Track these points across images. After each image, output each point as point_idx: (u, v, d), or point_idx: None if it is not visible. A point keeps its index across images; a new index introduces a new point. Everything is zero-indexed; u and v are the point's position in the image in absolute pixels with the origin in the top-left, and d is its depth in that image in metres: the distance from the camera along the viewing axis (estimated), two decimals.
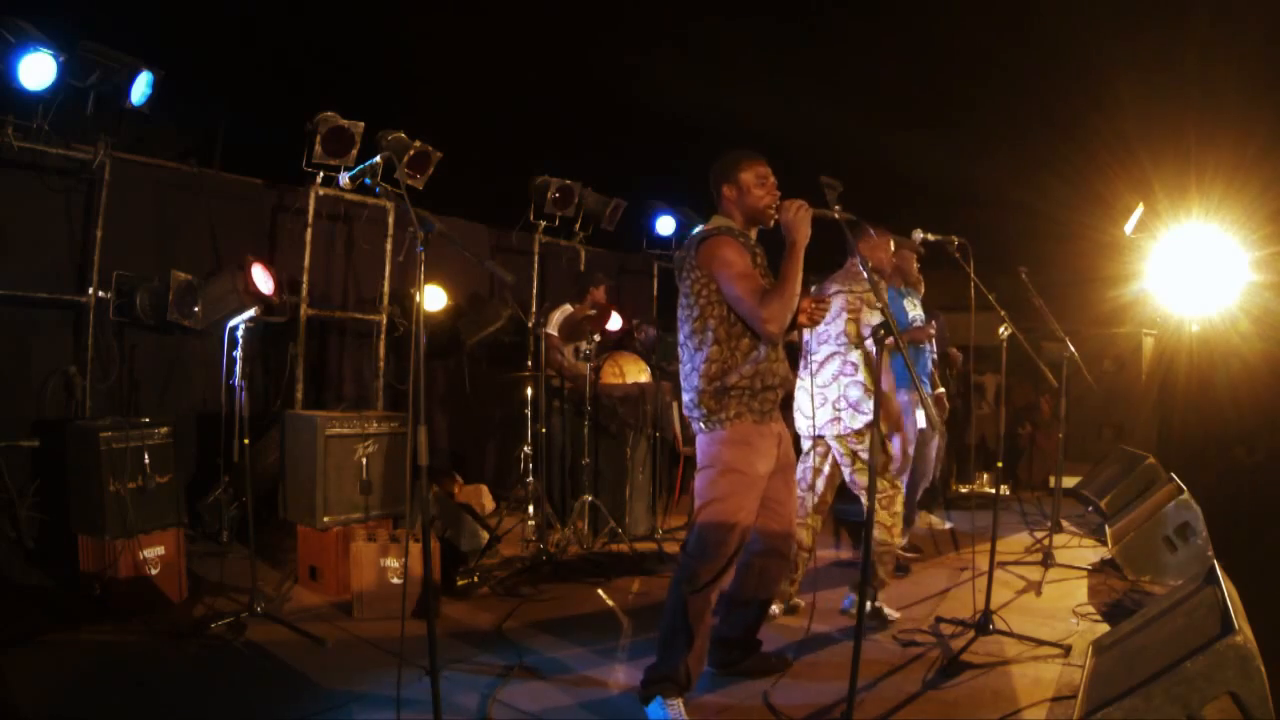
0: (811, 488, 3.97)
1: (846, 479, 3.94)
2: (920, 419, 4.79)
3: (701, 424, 3.02)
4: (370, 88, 5.96)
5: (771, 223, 3.08)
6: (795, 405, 4.02)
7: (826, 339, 3.91)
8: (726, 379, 2.96)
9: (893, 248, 4.40)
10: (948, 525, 6.01)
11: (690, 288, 3.02)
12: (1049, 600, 4.38)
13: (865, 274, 3.12)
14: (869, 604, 3.88)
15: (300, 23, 5.84)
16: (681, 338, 3.08)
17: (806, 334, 3.92)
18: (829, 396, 3.88)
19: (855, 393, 3.82)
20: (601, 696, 3.17)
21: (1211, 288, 7.05)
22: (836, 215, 2.93)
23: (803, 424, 3.98)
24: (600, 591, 4.46)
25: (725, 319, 2.97)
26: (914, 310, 5.08)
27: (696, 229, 3.15)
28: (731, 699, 3.14)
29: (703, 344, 2.98)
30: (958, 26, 7.08)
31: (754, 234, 3.15)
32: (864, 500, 3.79)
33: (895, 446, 4.05)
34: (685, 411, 3.12)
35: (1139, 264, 7.40)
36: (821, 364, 3.91)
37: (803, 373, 3.92)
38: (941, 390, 5.35)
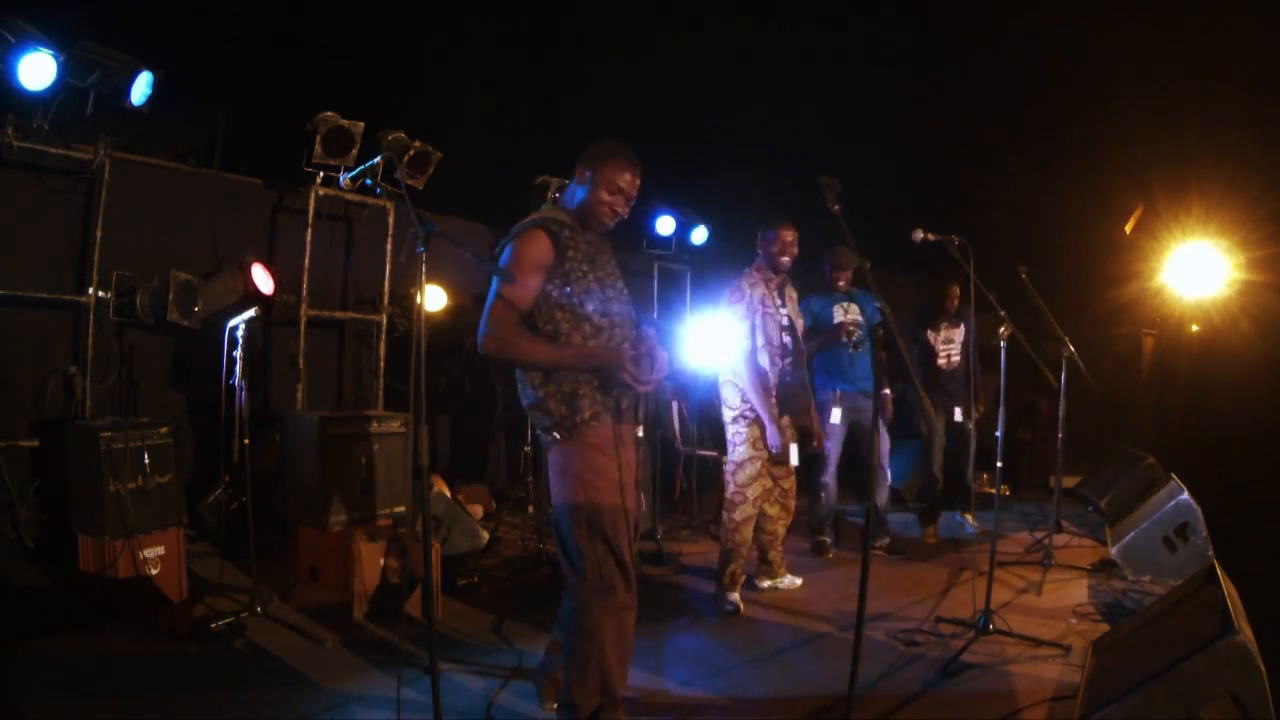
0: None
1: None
2: (835, 416, 5.06)
3: (555, 432, 2.58)
4: (370, 88, 5.95)
5: (604, 231, 2.76)
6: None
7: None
8: (565, 384, 2.57)
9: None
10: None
11: None
12: (1049, 600, 4.38)
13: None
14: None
15: (300, 23, 5.83)
16: None
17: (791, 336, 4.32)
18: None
19: (728, 391, 4.27)
20: None
21: (1211, 287, 7.05)
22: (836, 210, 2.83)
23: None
24: None
25: (565, 309, 2.57)
26: (844, 316, 5.15)
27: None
28: (730, 700, 3.14)
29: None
30: (956, 26, 7.08)
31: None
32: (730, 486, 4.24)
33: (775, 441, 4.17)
34: (533, 423, 2.72)
35: (1139, 264, 7.40)
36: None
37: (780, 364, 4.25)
38: (887, 391, 5.30)
